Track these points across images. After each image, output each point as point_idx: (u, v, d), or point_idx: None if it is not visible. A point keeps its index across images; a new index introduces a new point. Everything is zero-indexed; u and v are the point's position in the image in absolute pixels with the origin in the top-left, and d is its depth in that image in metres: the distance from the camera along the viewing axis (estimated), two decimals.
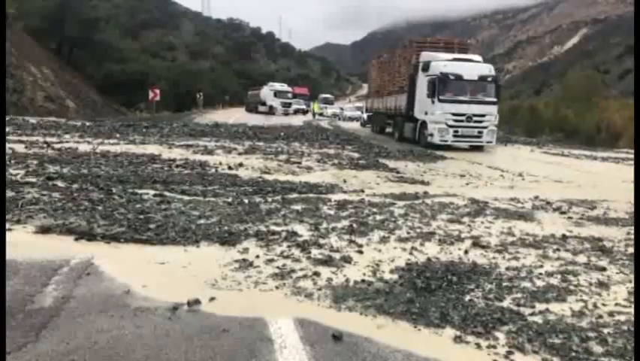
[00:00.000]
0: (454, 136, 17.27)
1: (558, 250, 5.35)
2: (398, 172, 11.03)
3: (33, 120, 20.40)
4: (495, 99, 17.53)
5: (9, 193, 6.59)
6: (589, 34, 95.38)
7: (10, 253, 4.47)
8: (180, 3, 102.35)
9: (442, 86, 17.04)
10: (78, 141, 13.64)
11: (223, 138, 16.51)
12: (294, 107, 49.21)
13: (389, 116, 22.99)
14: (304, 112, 49.56)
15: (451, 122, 17.12)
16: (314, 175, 9.97)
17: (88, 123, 20.85)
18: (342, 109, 48.93)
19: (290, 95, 49.90)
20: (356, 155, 13.74)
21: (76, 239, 5.07)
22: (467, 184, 9.94)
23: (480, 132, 17.39)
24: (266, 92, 49.17)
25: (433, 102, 17.18)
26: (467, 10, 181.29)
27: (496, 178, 11.05)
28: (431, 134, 17.29)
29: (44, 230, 5.25)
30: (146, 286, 3.96)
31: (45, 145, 11.98)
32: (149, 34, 76.10)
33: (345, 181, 9.32)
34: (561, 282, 4.38)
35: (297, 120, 34.87)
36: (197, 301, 3.69)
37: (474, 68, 17.65)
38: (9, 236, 5.08)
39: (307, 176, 9.81)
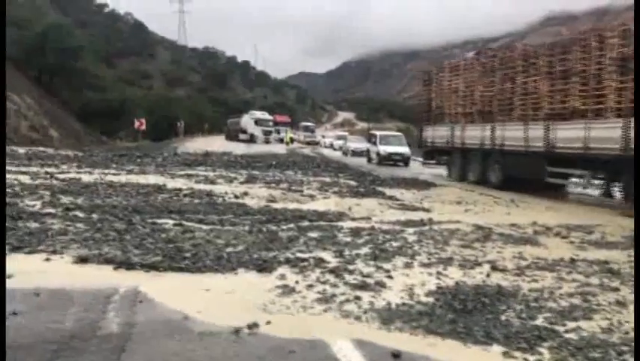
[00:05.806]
0: None
1: (571, 272, 5.73)
2: (397, 199, 11.41)
3: (22, 150, 20.28)
4: None
5: (33, 224, 6.71)
6: None
7: (58, 283, 4.64)
8: (155, 32, 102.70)
9: None
10: (78, 171, 13.70)
11: (218, 168, 16.72)
12: (278, 135, 49.36)
13: (571, 162, 12.77)
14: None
15: None
16: (319, 203, 10.27)
17: (80, 153, 20.83)
18: (345, 139, 40.21)
19: (271, 123, 50.36)
20: (352, 183, 14.12)
21: (115, 268, 5.20)
22: (466, 211, 10.36)
23: None
24: (247, 121, 49.52)
25: None
26: (438, 42, 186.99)
27: (491, 205, 11.53)
28: None
29: (82, 260, 5.37)
30: (201, 312, 4.12)
31: (49, 176, 12.02)
32: (124, 63, 76.10)
33: (350, 209, 9.62)
34: (583, 302, 4.73)
35: (280, 149, 35.22)
36: (255, 325, 3.89)
37: None
38: (50, 265, 5.25)
39: (312, 204, 10.10)
